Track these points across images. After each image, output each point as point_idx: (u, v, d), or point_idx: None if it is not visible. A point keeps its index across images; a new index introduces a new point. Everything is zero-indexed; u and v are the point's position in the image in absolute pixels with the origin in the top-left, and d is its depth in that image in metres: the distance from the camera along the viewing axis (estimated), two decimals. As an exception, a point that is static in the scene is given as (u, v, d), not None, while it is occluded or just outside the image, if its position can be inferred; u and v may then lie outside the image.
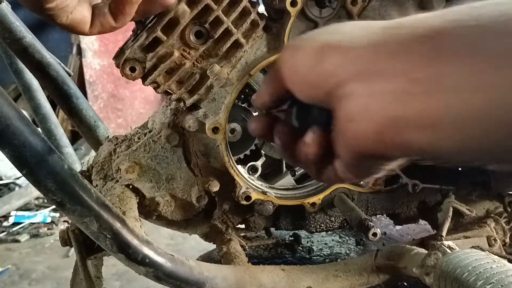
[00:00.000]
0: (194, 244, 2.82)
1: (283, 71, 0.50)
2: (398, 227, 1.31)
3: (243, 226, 1.02)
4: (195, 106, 0.85)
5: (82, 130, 1.20)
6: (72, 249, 0.83)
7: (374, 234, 0.85)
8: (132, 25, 0.87)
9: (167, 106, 0.90)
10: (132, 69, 0.77)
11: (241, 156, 0.98)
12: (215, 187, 0.90)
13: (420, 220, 1.09)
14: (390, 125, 0.39)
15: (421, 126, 0.37)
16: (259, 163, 0.98)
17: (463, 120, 0.35)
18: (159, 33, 0.75)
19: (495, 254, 0.79)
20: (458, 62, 0.36)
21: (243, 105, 0.94)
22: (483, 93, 0.34)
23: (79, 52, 4.48)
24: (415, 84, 0.37)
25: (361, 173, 0.50)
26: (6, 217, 3.57)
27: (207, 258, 1.09)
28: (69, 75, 1.20)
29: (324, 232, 1.08)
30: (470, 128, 0.35)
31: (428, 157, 0.42)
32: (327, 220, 1.00)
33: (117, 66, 0.79)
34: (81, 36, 4.33)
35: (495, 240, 1.00)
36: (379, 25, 0.44)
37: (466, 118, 0.35)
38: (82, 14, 0.62)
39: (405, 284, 0.97)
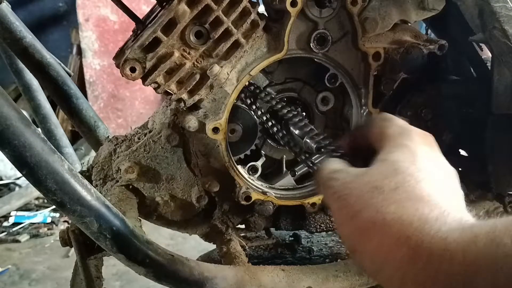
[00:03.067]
0: (194, 244, 2.82)
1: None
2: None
3: (243, 226, 1.02)
4: (195, 106, 0.85)
5: (82, 130, 1.20)
6: (72, 249, 0.83)
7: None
8: (132, 25, 0.87)
9: (167, 106, 0.90)
10: (132, 69, 0.77)
11: (241, 156, 0.98)
12: (215, 187, 0.90)
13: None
14: None
15: None
16: (259, 163, 0.98)
17: None
18: (159, 33, 0.75)
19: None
20: None
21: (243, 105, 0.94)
22: None
23: (79, 52, 4.46)
24: None
25: None
26: (6, 217, 3.57)
27: (207, 258, 1.09)
28: (69, 75, 1.20)
29: (324, 232, 1.08)
30: None
31: None
32: (327, 220, 1.00)
33: (117, 66, 0.79)
34: (81, 36, 4.32)
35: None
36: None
37: None
38: None
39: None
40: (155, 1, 0.89)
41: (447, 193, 0.51)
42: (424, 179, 0.51)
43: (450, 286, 0.41)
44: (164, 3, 0.82)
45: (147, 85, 0.80)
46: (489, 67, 0.92)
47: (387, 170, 0.53)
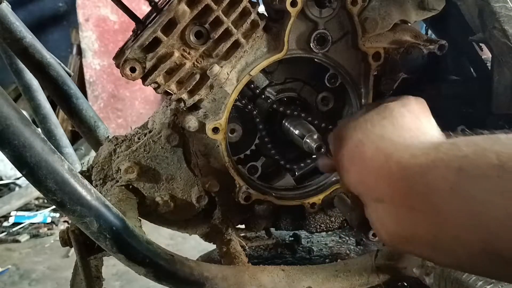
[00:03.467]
0: (194, 244, 2.82)
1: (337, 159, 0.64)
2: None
3: (243, 226, 1.02)
4: (195, 106, 0.85)
5: (82, 130, 1.20)
6: (72, 249, 0.83)
7: (374, 235, 0.85)
8: (132, 25, 0.87)
9: (167, 106, 0.90)
10: (132, 69, 0.77)
11: (241, 156, 0.98)
12: (215, 187, 0.90)
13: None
14: (397, 239, 0.53)
15: (421, 244, 0.50)
16: (259, 163, 0.98)
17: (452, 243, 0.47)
18: (159, 33, 0.75)
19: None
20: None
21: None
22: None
23: (79, 52, 4.47)
24: (414, 212, 0.49)
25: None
26: (6, 217, 3.57)
27: (207, 258, 1.09)
28: (69, 75, 1.20)
29: (324, 233, 1.08)
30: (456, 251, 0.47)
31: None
32: (327, 221, 1.00)
33: (117, 66, 0.79)
34: (81, 36, 4.33)
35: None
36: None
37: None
38: None
39: (405, 284, 0.97)
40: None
41: (428, 128, 0.60)
42: (409, 116, 0.60)
43: (410, 180, 0.50)
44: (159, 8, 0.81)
45: (147, 85, 0.80)
46: (489, 67, 0.92)
47: (379, 109, 0.63)
